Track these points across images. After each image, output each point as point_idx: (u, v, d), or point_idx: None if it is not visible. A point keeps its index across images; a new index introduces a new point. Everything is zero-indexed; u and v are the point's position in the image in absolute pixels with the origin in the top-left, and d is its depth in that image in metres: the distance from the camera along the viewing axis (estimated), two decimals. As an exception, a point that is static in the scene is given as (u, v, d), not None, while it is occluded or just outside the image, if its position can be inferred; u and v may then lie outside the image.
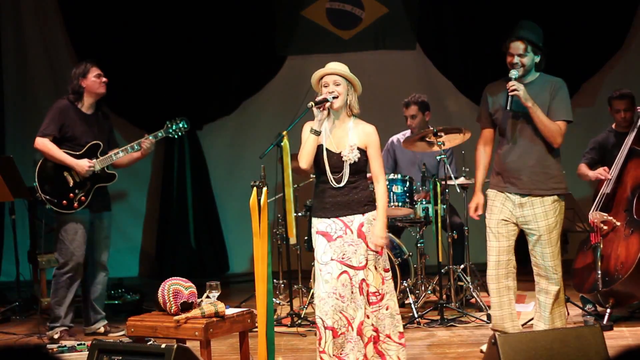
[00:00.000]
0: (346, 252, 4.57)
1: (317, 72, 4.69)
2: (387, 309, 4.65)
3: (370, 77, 8.35)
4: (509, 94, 4.84)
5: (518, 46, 4.91)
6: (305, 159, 4.63)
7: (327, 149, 4.66)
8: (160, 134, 6.18)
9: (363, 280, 4.56)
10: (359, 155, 4.63)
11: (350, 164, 4.62)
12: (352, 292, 4.53)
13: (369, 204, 4.67)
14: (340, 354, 4.52)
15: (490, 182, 5.16)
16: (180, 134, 6.24)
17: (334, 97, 4.61)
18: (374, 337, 4.61)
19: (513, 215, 4.99)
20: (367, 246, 4.61)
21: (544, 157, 4.94)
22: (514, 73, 4.89)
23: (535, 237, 4.96)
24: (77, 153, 6.04)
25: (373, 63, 8.66)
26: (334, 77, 4.65)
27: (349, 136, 4.65)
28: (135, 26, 8.58)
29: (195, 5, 8.60)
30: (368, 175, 4.82)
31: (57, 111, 6.06)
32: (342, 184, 4.63)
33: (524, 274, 5.10)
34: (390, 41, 8.81)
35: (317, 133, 4.61)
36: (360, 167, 4.67)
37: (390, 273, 4.72)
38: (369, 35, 8.82)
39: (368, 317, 4.59)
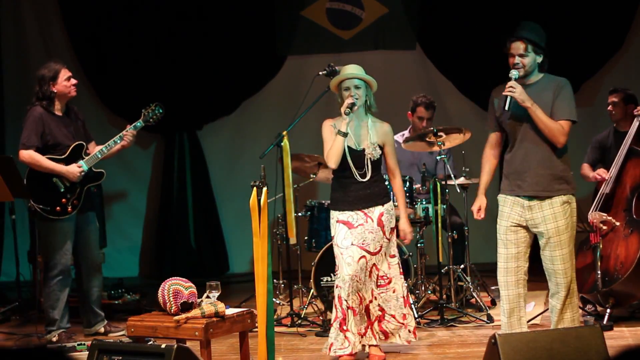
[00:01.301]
0: (366, 238, 5.02)
1: (337, 77, 5.06)
2: (393, 292, 5.12)
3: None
4: (504, 93, 4.80)
5: (518, 46, 4.86)
6: (334, 159, 5.03)
7: (349, 147, 5.07)
8: (139, 124, 6.15)
9: (374, 264, 5.04)
10: (380, 152, 5.12)
11: (372, 160, 5.08)
12: (365, 275, 5.00)
13: (386, 196, 5.18)
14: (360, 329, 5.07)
15: (500, 187, 5.05)
16: (157, 120, 6.22)
17: (356, 99, 5.01)
18: (379, 316, 5.11)
19: (522, 219, 4.88)
20: (384, 234, 5.08)
21: (549, 158, 4.84)
22: (514, 73, 4.84)
23: (544, 240, 4.86)
24: (62, 157, 5.96)
25: (373, 63, 8.63)
26: (354, 80, 5.04)
27: (370, 134, 5.09)
28: (136, 26, 8.57)
29: (195, 5, 8.60)
30: None
31: (35, 120, 5.92)
32: (366, 179, 5.07)
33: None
34: (390, 41, 8.81)
35: (345, 135, 5.01)
36: (379, 162, 5.15)
37: (395, 259, 5.16)
38: (369, 35, 8.82)
39: (375, 298, 5.08)
